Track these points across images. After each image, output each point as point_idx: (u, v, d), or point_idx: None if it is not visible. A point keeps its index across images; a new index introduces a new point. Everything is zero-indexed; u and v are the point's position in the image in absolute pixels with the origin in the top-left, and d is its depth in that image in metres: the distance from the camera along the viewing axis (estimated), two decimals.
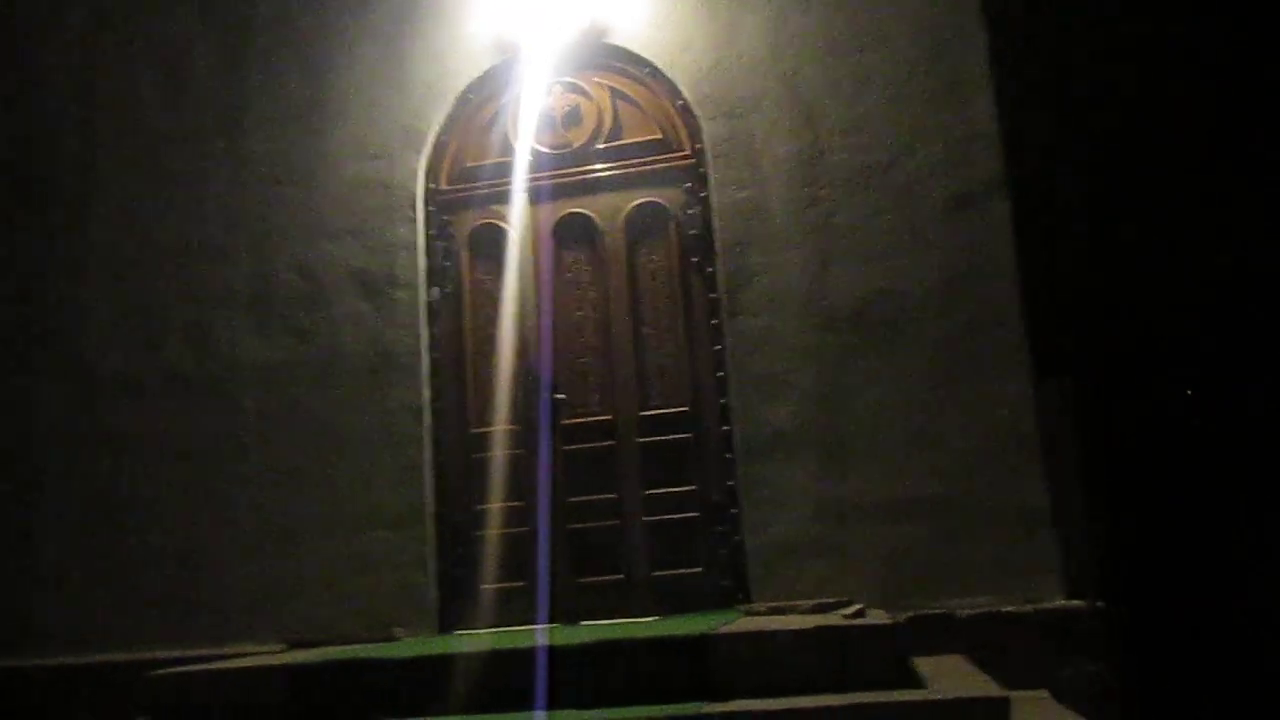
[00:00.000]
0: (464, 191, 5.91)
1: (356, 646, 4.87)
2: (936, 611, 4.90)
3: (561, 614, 5.35)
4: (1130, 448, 6.12)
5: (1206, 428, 6.22)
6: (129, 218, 6.14)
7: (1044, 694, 4.51)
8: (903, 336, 5.22)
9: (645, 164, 5.75)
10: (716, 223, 5.50)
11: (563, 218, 5.78)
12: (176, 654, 5.26)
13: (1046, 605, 4.86)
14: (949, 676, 3.99)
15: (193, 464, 5.81)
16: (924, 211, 5.30)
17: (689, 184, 5.66)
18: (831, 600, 4.82)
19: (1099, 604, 4.86)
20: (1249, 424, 6.23)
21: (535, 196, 5.82)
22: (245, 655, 5.02)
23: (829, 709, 3.47)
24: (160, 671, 4.34)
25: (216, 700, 4.15)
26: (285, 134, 6.04)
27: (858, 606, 4.53)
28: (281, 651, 5.08)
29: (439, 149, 5.94)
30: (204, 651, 5.27)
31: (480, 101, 5.95)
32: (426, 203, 5.89)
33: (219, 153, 6.11)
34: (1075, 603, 4.86)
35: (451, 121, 5.94)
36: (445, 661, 4.05)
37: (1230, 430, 6.21)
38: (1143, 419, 6.21)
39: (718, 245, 5.48)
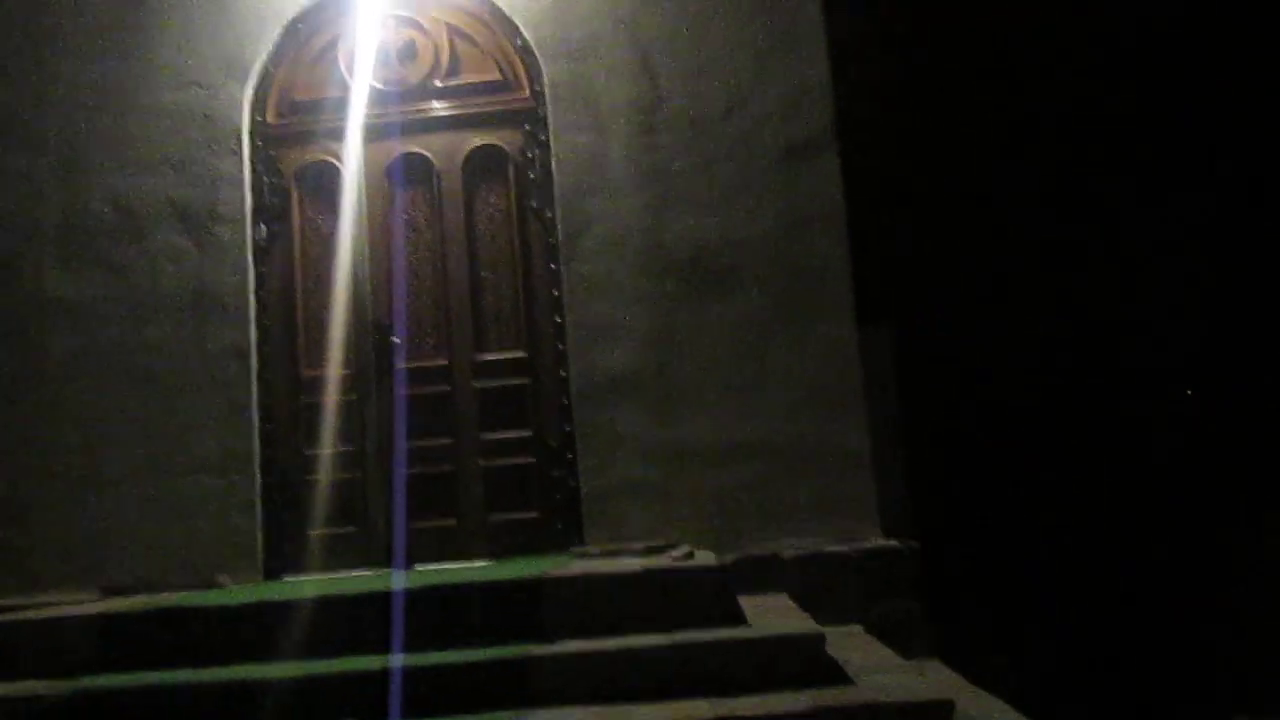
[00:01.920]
0: (294, 126, 5.67)
1: (176, 594, 4.72)
2: (763, 553, 5.08)
3: (396, 560, 5.28)
4: (946, 394, 6.44)
5: (1019, 375, 6.60)
6: None
7: (858, 629, 4.76)
8: (735, 283, 5.33)
9: (484, 104, 5.63)
10: (555, 167, 5.46)
11: (398, 157, 5.62)
12: None
13: (865, 545, 5.10)
14: (771, 615, 4.16)
15: None
16: (759, 160, 5.39)
17: (528, 126, 5.58)
18: (661, 543, 4.93)
19: (913, 544, 5.13)
20: (1058, 374, 6.65)
21: (370, 134, 5.63)
22: (56, 605, 4.79)
23: (654, 648, 3.58)
24: None
25: (23, 651, 3.96)
26: (95, 56, 5.65)
27: (687, 549, 4.66)
28: (96, 600, 4.88)
29: (265, 80, 5.68)
30: (13, 601, 5.01)
31: (310, 32, 5.70)
32: (253, 136, 5.63)
33: (22, 72, 5.67)
34: (891, 543, 5.12)
35: (279, 52, 5.68)
36: (268, 608, 3.99)
37: (1041, 380, 6.61)
38: (960, 366, 6.54)
39: (556, 190, 5.44)
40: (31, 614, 4.30)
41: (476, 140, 5.61)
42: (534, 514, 5.34)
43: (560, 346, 5.40)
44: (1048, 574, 6.16)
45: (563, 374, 5.38)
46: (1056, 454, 6.46)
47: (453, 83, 5.66)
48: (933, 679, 3.79)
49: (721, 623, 3.84)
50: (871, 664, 3.92)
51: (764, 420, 5.23)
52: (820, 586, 4.96)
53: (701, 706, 3.29)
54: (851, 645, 4.29)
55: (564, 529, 5.28)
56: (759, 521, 5.18)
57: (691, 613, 3.86)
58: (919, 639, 4.89)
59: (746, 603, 4.37)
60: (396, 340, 5.47)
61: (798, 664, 3.52)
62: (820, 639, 3.57)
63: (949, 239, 6.70)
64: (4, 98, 5.67)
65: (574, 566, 4.33)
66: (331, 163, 5.63)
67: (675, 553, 4.57)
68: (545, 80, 5.51)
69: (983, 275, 6.73)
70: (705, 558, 4.46)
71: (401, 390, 5.45)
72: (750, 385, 5.26)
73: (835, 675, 3.57)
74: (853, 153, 5.49)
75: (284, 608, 3.96)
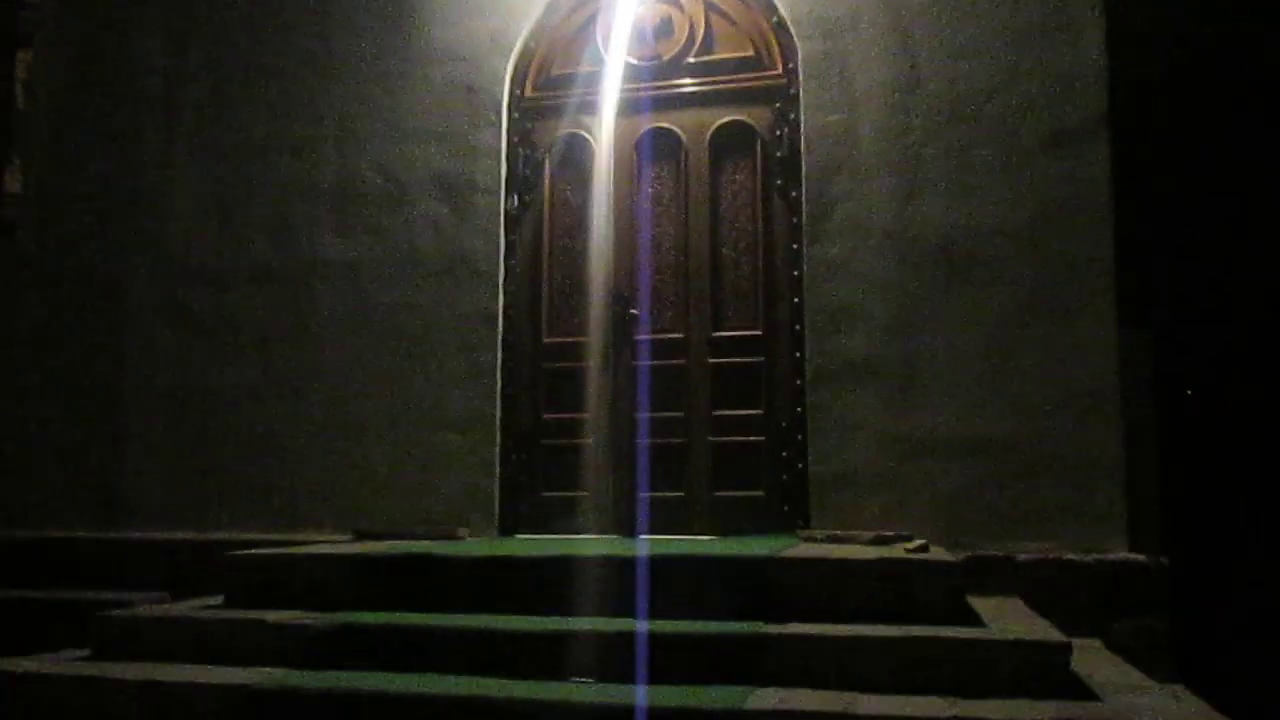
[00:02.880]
0: (549, 100, 5.85)
1: (422, 542, 5.00)
2: (996, 553, 4.90)
3: (621, 526, 5.43)
4: (1205, 405, 6.00)
5: None
6: (217, 110, 6.20)
7: (1097, 643, 4.52)
8: (985, 274, 5.12)
9: (735, 81, 5.64)
10: (804, 146, 5.40)
11: (647, 132, 5.71)
12: (250, 536, 5.47)
13: (1108, 556, 4.83)
14: (1008, 618, 4.00)
15: (270, 355, 5.94)
16: (1019, 147, 5.15)
17: (778, 104, 5.55)
18: (891, 533, 4.83)
19: (1161, 560, 4.82)
20: None
21: (621, 109, 5.74)
22: (316, 543, 5.18)
23: (886, 639, 3.49)
24: (237, 553, 4.51)
25: (289, 583, 4.31)
26: (373, 34, 6.02)
27: (920, 541, 4.53)
28: (350, 542, 5.23)
29: (525, 54, 5.88)
30: (275, 536, 5.46)
31: (570, 8, 5.86)
32: (510, 109, 5.85)
33: (307, 51, 6.11)
34: (1137, 556, 4.82)
35: (540, 28, 5.87)
36: (508, 563, 4.14)
37: None
38: (1221, 371, 6.07)
39: (804, 169, 5.39)
40: (294, 550, 4.65)
41: (725, 117, 5.62)
42: (760, 493, 5.34)
43: (797, 328, 5.35)
44: None
45: (798, 355, 5.34)
46: None
47: (705, 59, 5.69)
48: (1187, 705, 3.55)
49: (954, 621, 3.72)
50: (1116, 681, 3.71)
51: (1007, 418, 5.02)
52: (1055, 595, 4.74)
53: (937, 704, 3.20)
54: (1092, 660, 4.07)
55: (789, 511, 5.26)
56: (992, 521, 4.99)
57: (924, 608, 3.76)
58: (1162, 660, 4.59)
59: (978, 603, 4.24)
60: (635, 312, 5.58)
61: (1039, 672, 3.36)
62: (1066, 648, 3.40)
63: (1219, 236, 6.21)
64: (289, 68, 6.12)
65: (804, 549, 4.30)
66: (583, 136, 5.78)
67: (908, 545, 4.46)
68: (799, 57, 5.45)
69: (1253, 276, 6.21)
70: (940, 553, 4.33)
71: (638, 361, 5.57)
72: (995, 381, 5.06)
73: (1078, 689, 3.40)
74: (1119, 143, 5.16)
75: (525, 564, 4.11)
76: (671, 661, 3.47)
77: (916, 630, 3.53)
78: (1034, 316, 5.03)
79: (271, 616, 3.97)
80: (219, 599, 4.48)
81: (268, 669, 3.73)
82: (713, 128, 5.62)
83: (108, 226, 6.26)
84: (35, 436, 6.17)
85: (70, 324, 6.23)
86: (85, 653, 4.13)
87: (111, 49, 6.43)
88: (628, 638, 3.53)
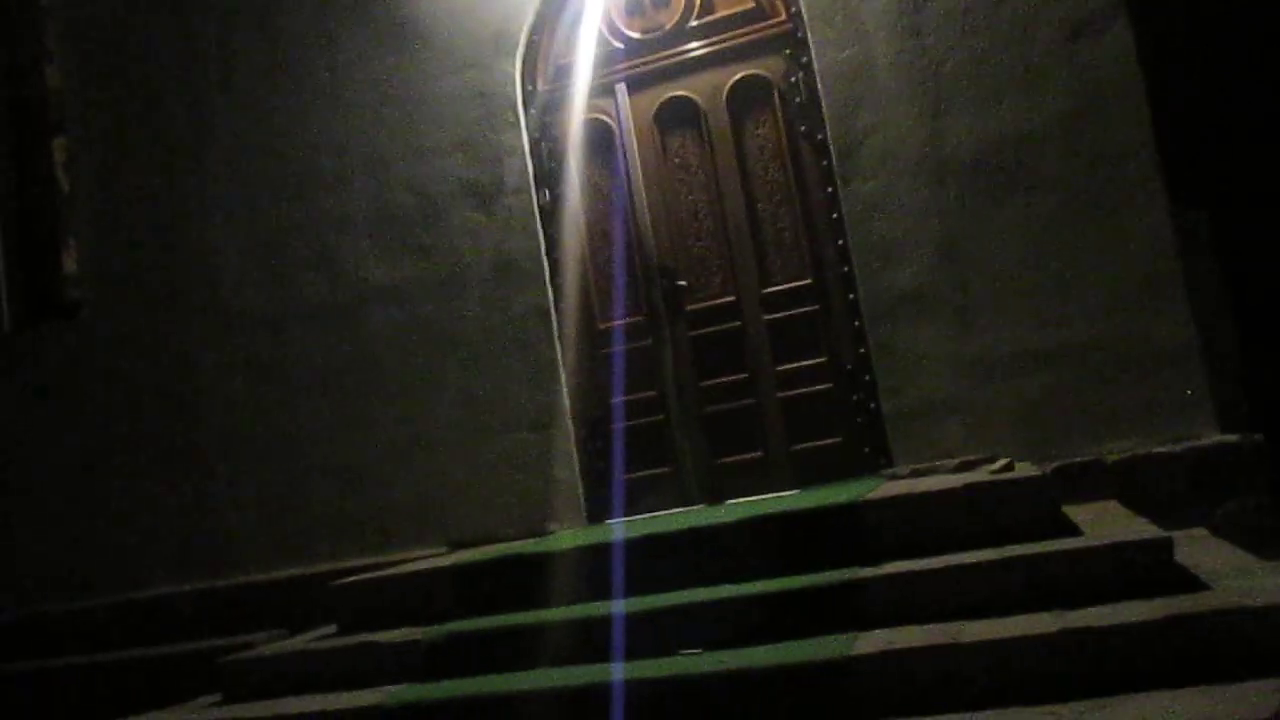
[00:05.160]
0: (562, 90, 5.87)
1: (514, 543, 5.10)
2: (1084, 459, 4.84)
3: (705, 495, 5.47)
4: (1274, 276, 5.82)
5: None
6: (244, 156, 6.34)
7: (1201, 532, 4.44)
8: (1025, 182, 5.04)
9: (741, 36, 5.60)
10: (821, 87, 5.35)
11: (664, 103, 5.70)
12: (349, 564, 5.63)
13: (1199, 443, 4.74)
14: (1105, 522, 3.97)
15: (335, 387, 6.08)
16: (1039, 46, 5.04)
17: (788, 51, 5.50)
18: (975, 458, 4.80)
19: (1256, 437, 4.72)
20: None
21: (633, 85, 5.75)
22: (413, 560, 5.32)
23: (984, 564, 3.50)
24: (342, 581, 4.65)
25: (394, 603, 4.44)
26: (380, 57, 6.09)
27: (1004, 461, 4.50)
28: (445, 554, 5.36)
29: (531, 49, 5.90)
30: (373, 560, 5.60)
31: None
32: (526, 106, 5.88)
33: (318, 84, 6.20)
34: (1229, 437, 4.73)
35: (540, 21, 5.88)
36: (594, 551, 4.21)
37: None
38: None
39: (825, 110, 5.34)
40: (394, 570, 4.78)
41: (738, 73, 5.59)
42: (837, 439, 5.34)
43: (846, 269, 5.32)
44: None
45: (851, 296, 5.31)
46: None
47: (708, 19, 5.66)
48: None
49: (1051, 534, 3.70)
50: (1225, 568, 3.64)
51: (1070, 323, 4.94)
52: (1151, 491, 4.67)
53: (1043, 619, 3.20)
54: (1199, 549, 4.00)
55: (870, 452, 5.25)
56: (1074, 428, 4.92)
57: (1018, 526, 3.75)
58: (1271, 539, 4.50)
59: (1073, 512, 4.20)
60: (683, 283, 5.59)
61: (1143, 571, 3.33)
62: (1167, 543, 3.36)
63: (1268, 98, 5.99)
64: (307, 106, 6.23)
65: (888, 488, 4.31)
66: (601, 119, 5.80)
67: (992, 466, 4.43)
68: (801, 0, 5.40)
69: None
70: (1025, 469, 4.30)
71: (693, 331, 5.58)
72: (1052, 287, 4.98)
73: (1186, 581, 3.36)
74: (1142, 21, 5.01)
75: (608, 549, 4.17)
76: (774, 620, 3.51)
77: (1012, 550, 3.52)
78: (1082, 216, 4.94)
79: (383, 637, 4.10)
80: (332, 628, 4.64)
81: (389, 687, 3.86)
82: (727, 87, 5.60)
83: (163, 289, 6.44)
84: (132, 501, 6.38)
85: (147, 390, 6.44)
86: (217, 698, 4.31)
87: (138, 118, 6.60)
88: (726, 604, 3.58)
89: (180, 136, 6.49)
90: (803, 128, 5.46)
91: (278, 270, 6.23)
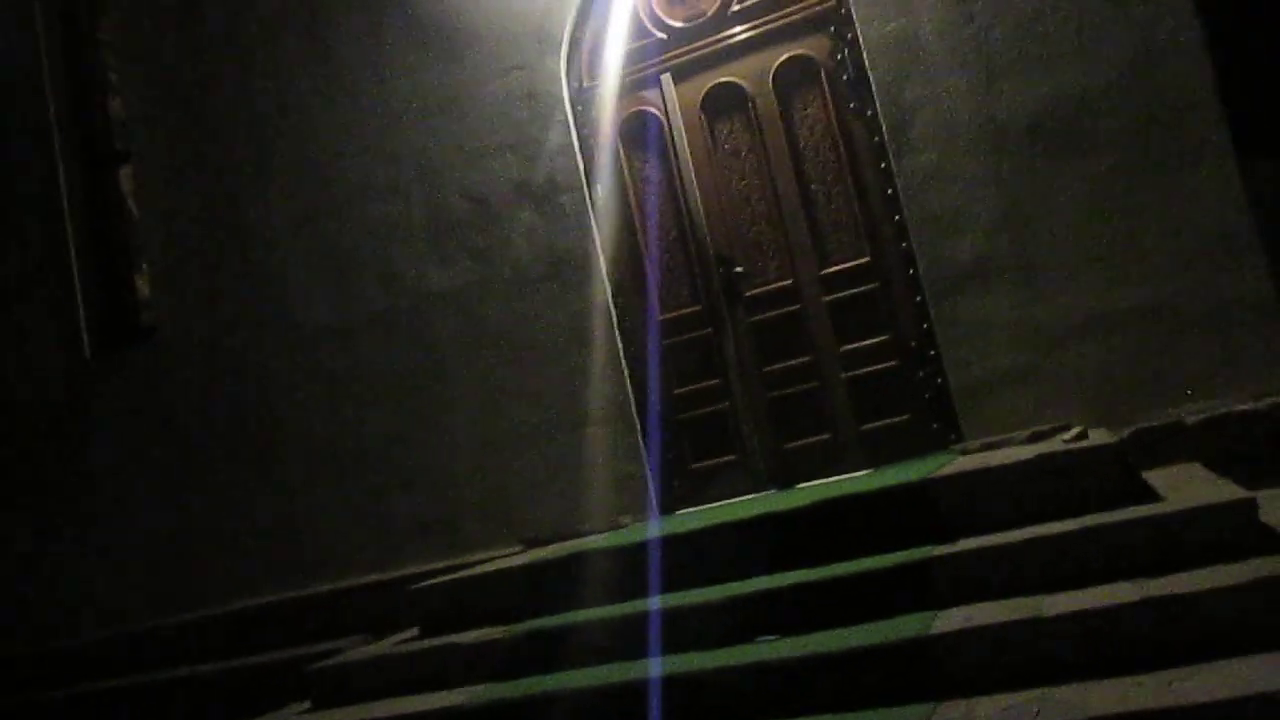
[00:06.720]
0: (607, 85, 5.87)
1: (586, 539, 5.14)
2: (1162, 422, 4.72)
3: (775, 480, 5.45)
4: None
5: None
6: (303, 173, 6.46)
7: None
8: (1082, 144, 4.92)
9: (784, 17, 5.56)
10: (868, 62, 5.28)
11: (710, 90, 5.68)
12: (428, 567, 5.72)
13: None
14: (1186, 485, 3.87)
15: (404, 393, 6.16)
16: (1089, 2, 4.92)
17: (833, 28, 5.44)
18: (1047, 427, 4.72)
19: None
20: None
21: (678, 74, 5.74)
22: (489, 560, 5.39)
23: (1061, 535, 3.43)
24: (421, 585, 4.73)
25: (473, 603, 4.50)
26: (427, 66, 6.16)
27: (1078, 429, 4.42)
28: (519, 553, 5.42)
29: (574, 46, 5.92)
30: (451, 561, 5.67)
31: None
32: (573, 103, 5.90)
33: (369, 96, 6.30)
34: None
35: (582, 15, 5.90)
36: (671, 542, 4.22)
37: None
38: None
39: (873, 86, 5.27)
40: (471, 571, 4.84)
41: (783, 55, 5.55)
42: (905, 416, 5.28)
43: (904, 245, 5.26)
44: None
45: (911, 272, 5.25)
46: None
47: (749, 3, 5.63)
48: None
49: (1130, 501, 3.62)
50: None
51: (1140, 284, 4.82)
52: (1234, 451, 4.53)
53: (1124, 589, 3.13)
54: None
55: (940, 427, 5.18)
56: (1150, 391, 4.80)
57: (1095, 495, 3.67)
58: None
59: (1154, 477, 4.11)
60: (740, 269, 5.57)
61: (1228, 535, 3.25)
62: (1251, 504, 3.27)
63: None
64: (353, 122, 6.33)
65: (960, 463, 4.25)
66: (648, 111, 5.80)
67: (1065, 435, 4.35)
68: None
69: None
70: (1100, 436, 4.22)
71: (753, 317, 5.57)
72: (1118, 249, 4.86)
73: (1273, 542, 3.26)
74: None
75: (681, 540, 4.19)
76: (849, 603, 3.49)
77: (1089, 519, 3.46)
78: (1146, 174, 4.82)
79: (463, 638, 4.16)
80: (414, 631, 4.72)
81: (470, 687, 3.92)
82: (773, 69, 5.56)
83: (234, 307, 6.60)
84: (218, 515, 6.56)
85: (225, 407, 6.61)
86: (306, 705, 4.42)
87: (200, 143, 6.76)
88: (801, 589, 3.57)
89: (241, 159, 6.64)
90: (852, 105, 5.40)
91: (342, 282, 6.34)
